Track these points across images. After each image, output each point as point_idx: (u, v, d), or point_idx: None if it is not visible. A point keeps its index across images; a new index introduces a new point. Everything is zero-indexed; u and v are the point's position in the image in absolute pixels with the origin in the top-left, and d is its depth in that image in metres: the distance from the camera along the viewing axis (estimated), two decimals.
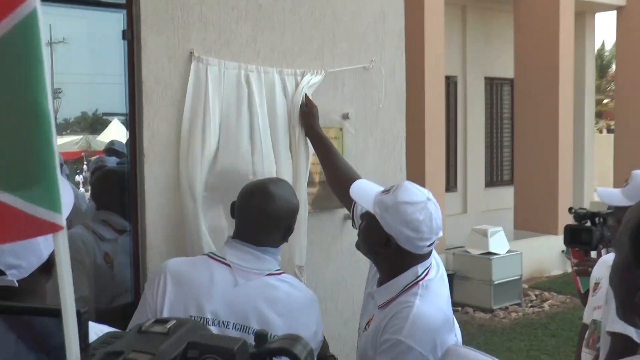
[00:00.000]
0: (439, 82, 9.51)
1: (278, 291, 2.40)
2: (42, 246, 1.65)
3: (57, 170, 0.90)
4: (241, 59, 3.10)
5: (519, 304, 8.67)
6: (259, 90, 3.06)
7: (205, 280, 2.35)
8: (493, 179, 12.68)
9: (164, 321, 0.82)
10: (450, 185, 11.59)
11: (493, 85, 12.66)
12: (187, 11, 2.96)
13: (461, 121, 11.95)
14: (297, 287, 2.50)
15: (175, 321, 0.81)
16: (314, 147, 3.10)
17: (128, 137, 2.95)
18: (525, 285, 9.30)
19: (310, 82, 3.19)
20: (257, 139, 2.99)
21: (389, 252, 2.30)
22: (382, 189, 2.42)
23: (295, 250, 3.06)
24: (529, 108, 10.80)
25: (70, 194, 1.85)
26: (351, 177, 2.84)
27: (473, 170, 12.10)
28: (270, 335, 0.85)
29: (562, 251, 8.04)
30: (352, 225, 2.81)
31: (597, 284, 3.02)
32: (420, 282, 2.26)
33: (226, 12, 3.07)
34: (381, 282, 2.38)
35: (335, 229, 3.42)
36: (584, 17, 12.89)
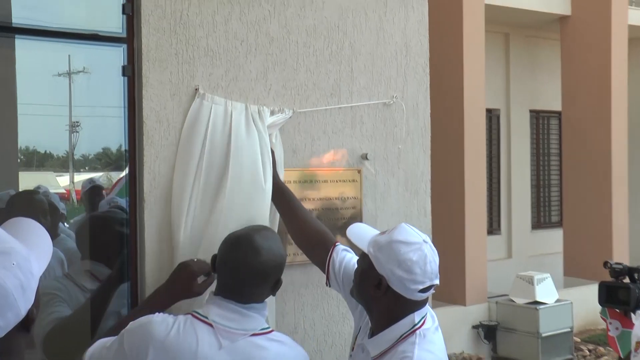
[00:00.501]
0: (479, 115, 9.41)
1: (266, 352, 2.36)
2: (20, 303, 1.63)
3: None
4: (251, 96, 3.11)
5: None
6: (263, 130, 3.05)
7: (191, 348, 2.29)
8: (540, 221, 12.50)
9: None
10: (493, 227, 11.45)
11: (539, 118, 12.55)
12: (192, 45, 3.00)
13: (504, 157, 11.83)
14: (287, 344, 2.46)
15: None
16: (273, 198, 2.99)
17: (127, 179, 2.97)
18: (577, 339, 9.07)
19: (270, 122, 3.08)
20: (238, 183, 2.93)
21: (382, 298, 2.29)
22: (377, 232, 2.47)
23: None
24: (578, 143, 10.64)
25: (48, 242, 1.84)
26: (318, 231, 2.86)
27: (518, 211, 11.95)
28: None
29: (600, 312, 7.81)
30: (326, 283, 2.77)
31: (639, 344, 2.94)
32: (417, 331, 2.26)
33: (234, 46, 3.10)
34: (373, 332, 2.37)
35: None
36: (638, 44, 12.74)
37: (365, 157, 3.40)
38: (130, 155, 2.93)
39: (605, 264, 3.42)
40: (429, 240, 2.32)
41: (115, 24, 2.96)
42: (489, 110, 10.69)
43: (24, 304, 1.62)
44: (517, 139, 12.05)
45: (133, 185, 2.93)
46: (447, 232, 8.65)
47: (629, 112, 10.77)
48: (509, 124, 11.96)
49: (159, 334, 2.32)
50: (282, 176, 3.09)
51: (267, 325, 2.45)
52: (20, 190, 4.58)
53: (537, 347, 8.25)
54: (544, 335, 8.26)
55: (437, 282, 2.28)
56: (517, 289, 8.65)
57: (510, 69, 11.97)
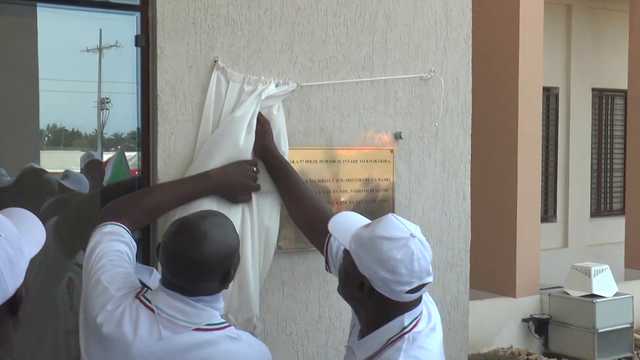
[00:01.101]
0: (536, 94, 9.23)
1: (213, 349, 2.21)
2: (8, 278, 1.59)
3: None
4: (274, 69, 3.05)
5: (629, 358, 8.29)
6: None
7: (128, 336, 2.19)
8: (600, 208, 12.24)
9: None
10: (549, 214, 11.24)
11: (602, 97, 12.26)
12: (211, 14, 2.94)
13: (563, 140, 11.60)
14: (244, 341, 2.29)
15: None
16: (270, 172, 2.93)
17: (140, 158, 2.93)
18: (637, 335, 8.89)
19: (266, 94, 2.97)
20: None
21: (367, 299, 2.15)
22: (367, 222, 2.29)
23: (243, 301, 2.88)
24: None
25: (40, 230, 1.81)
26: (321, 209, 2.74)
27: (576, 197, 11.72)
28: None
29: None
30: (326, 268, 2.65)
31: None
32: (406, 335, 2.12)
33: (258, 15, 3.03)
34: (362, 335, 2.24)
35: None
36: None
37: (399, 136, 3.31)
38: (144, 132, 2.90)
39: None
40: (418, 233, 2.13)
41: None
42: (546, 89, 10.46)
43: (12, 280, 1.57)
44: (578, 119, 11.79)
45: (146, 163, 2.90)
46: (497, 218, 8.51)
47: None
48: (569, 103, 11.70)
49: (102, 318, 2.24)
50: (287, 152, 3.00)
51: (221, 320, 2.27)
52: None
53: (593, 343, 8.07)
54: (600, 330, 8.07)
55: (428, 280, 2.12)
56: (573, 281, 8.46)
57: (572, 44, 11.71)
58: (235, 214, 2.82)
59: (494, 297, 8.29)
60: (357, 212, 3.17)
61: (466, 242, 3.57)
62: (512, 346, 8.10)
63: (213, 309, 2.26)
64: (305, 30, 3.13)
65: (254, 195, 2.90)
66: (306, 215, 2.79)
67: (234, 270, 2.32)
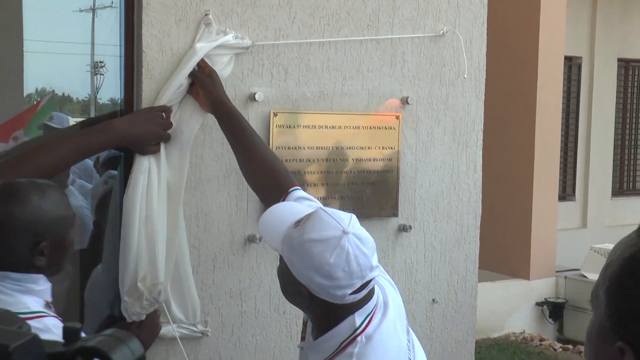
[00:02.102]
0: (557, 63, 9.13)
1: None
2: None
3: None
4: (271, 25, 2.95)
5: None
6: None
7: None
8: (623, 187, 12.14)
9: None
10: (567, 192, 11.14)
11: (629, 68, 12.12)
12: None
13: (584, 113, 11.47)
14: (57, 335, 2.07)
15: None
16: (222, 127, 2.75)
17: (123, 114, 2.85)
18: None
19: (219, 42, 2.84)
20: None
21: (309, 304, 2.06)
22: (301, 216, 2.13)
23: (150, 265, 2.72)
24: None
25: None
26: (274, 168, 2.59)
27: (597, 174, 11.62)
28: None
29: None
30: None
31: None
32: (359, 338, 2.01)
33: None
34: (316, 336, 2.13)
35: (386, 242, 3.23)
36: None
37: (406, 101, 3.22)
38: (127, 92, 2.81)
39: None
40: (353, 226, 2.01)
41: None
42: (568, 58, 10.33)
43: None
44: (601, 91, 11.66)
45: None
46: (512, 195, 8.45)
47: None
48: (592, 74, 11.58)
49: None
50: None
51: (35, 310, 1.99)
52: None
53: None
54: None
55: (372, 275, 2.01)
56: (591, 263, 8.41)
57: (598, 10, 11.55)
58: (139, 169, 2.69)
59: (505, 278, 8.25)
60: (360, 183, 3.12)
61: (476, 217, 3.48)
62: (524, 331, 8.07)
63: (24, 294, 2.00)
64: None
65: (162, 148, 2.74)
66: (258, 172, 2.62)
67: (54, 247, 2.05)
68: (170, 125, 2.72)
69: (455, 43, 3.32)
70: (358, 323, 2.02)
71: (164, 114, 2.71)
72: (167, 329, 2.79)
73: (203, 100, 2.76)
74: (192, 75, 2.75)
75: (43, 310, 2.01)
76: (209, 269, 2.91)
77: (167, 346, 2.83)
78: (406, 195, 3.27)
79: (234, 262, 2.96)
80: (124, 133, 2.65)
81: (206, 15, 2.82)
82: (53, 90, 5.23)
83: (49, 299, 2.06)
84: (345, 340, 2.02)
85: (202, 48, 2.77)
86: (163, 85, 2.76)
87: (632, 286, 1.15)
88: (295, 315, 3.06)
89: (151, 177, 2.71)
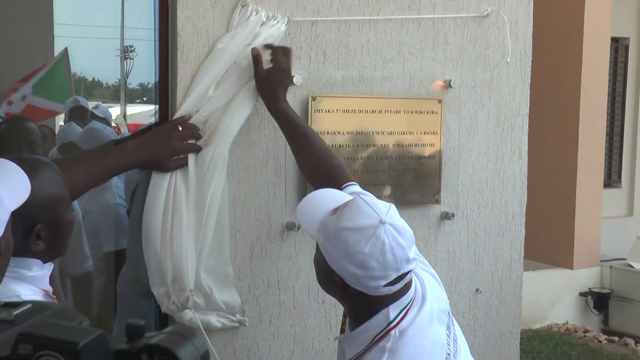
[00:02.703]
0: (603, 44, 9.03)
1: None
2: None
3: None
4: (309, 6, 2.94)
5: None
6: None
7: None
8: None
9: (15, 305, 0.73)
10: (612, 179, 11.01)
11: None
12: None
13: (631, 96, 11.33)
14: None
15: (29, 306, 0.72)
16: (279, 122, 2.75)
17: (158, 103, 2.85)
18: None
19: (268, 34, 2.82)
20: None
21: (343, 294, 2.05)
22: (339, 204, 2.11)
23: (176, 274, 2.72)
24: None
25: (24, 182, 1.76)
26: (331, 163, 2.58)
27: None
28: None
29: None
30: None
31: None
32: (392, 332, 2.00)
33: None
34: (352, 328, 2.13)
35: (428, 229, 3.22)
36: None
37: (448, 84, 3.19)
38: (161, 75, 2.81)
39: None
40: (391, 216, 1.99)
41: None
42: (615, 39, 10.20)
43: None
44: None
45: (164, 111, 2.81)
46: (555, 181, 8.36)
47: None
48: None
49: None
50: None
51: (24, 299, 1.69)
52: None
53: None
54: None
55: (408, 268, 1.98)
56: (637, 252, 8.34)
57: None
58: (161, 184, 2.70)
59: (548, 268, 8.18)
60: (401, 169, 3.09)
61: (521, 205, 3.45)
62: (567, 322, 8.00)
63: (15, 280, 1.87)
64: None
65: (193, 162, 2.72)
66: (316, 166, 2.60)
67: (52, 229, 1.94)
68: (190, 135, 2.70)
69: (500, 24, 3.28)
70: (392, 316, 2.01)
71: (179, 126, 2.68)
72: (205, 319, 2.80)
73: (267, 95, 2.75)
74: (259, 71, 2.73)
75: (29, 300, 1.87)
76: (246, 258, 2.91)
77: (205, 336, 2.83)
78: (449, 181, 3.24)
79: (272, 250, 2.96)
80: (140, 154, 2.66)
81: None
82: (65, 49, 5.25)
83: (48, 288, 1.96)
84: (378, 334, 2.01)
85: (238, 39, 2.76)
86: (198, 68, 2.76)
87: None
88: (335, 306, 3.05)
89: (176, 192, 2.71)
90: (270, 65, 2.73)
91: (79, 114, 5.14)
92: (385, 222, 1.95)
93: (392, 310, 2.01)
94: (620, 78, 11.15)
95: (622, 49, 11.18)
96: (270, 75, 2.72)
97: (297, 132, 2.69)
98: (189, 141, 2.71)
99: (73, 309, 0.78)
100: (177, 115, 2.72)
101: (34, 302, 0.73)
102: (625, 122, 11.30)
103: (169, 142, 2.66)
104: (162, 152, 2.66)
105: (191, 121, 2.72)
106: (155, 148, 2.65)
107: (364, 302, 2.03)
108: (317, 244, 2.10)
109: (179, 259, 2.68)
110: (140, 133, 2.95)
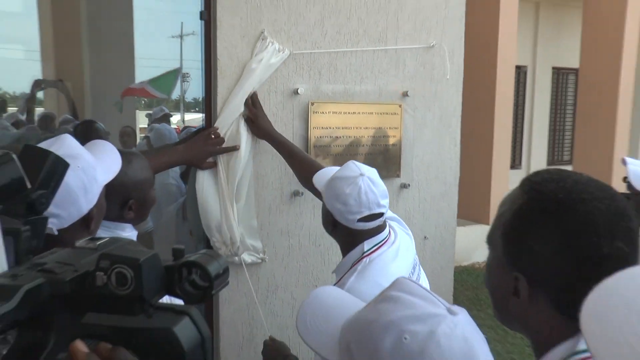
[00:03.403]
0: (509, 70, 8.97)
1: None
2: (82, 200, 1.49)
3: None
4: (309, 40, 2.84)
5: None
6: None
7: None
8: (555, 159, 11.97)
9: (99, 239, 0.69)
10: (516, 162, 10.99)
11: (560, 74, 11.88)
12: None
13: (529, 105, 11.31)
14: None
15: (108, 239, 0.68)
16: (274, 147, 2.68)
17: (204, 107, 2.76)
18: None
19: (278, 58, 2.74)
20: None
21: (335, 231, 1.99)
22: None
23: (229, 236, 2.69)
24: (591, 95, 10.11)
25: (117, 159, 1.68)
26: (313, 169, 2.46)
27: (537, 149, 11.47)
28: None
29: None
30: None
31: None
32: (364, 259, 1.92)
33: None
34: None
35: (392, 195, 3.11)
36: None
37: (406, 94, 3.10)
38: (206, 89, 2.72)
39: (625, 178, 2.89)
40: (370, 173, 1.93)
41: None
42: (518, 67, 10.13)
43: (85, 203, 1.50)
44: (540, 91, 11.49)
45: (208, 108, 2.73)
46: (477, 162, 8.35)
47: (636, 69, 10.16)
48: (534, 78, 11.38)
49: None
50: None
51: None
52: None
53: None
54: None
55: (378, 210, 1.90)
56: None
57: (538, 31, 11.32)
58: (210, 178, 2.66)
59: (473, 224, 8.14)
60: (374, 152, 3.01)
61: (455, 178, 3.37)
62: (485, 261, 7.97)
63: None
64: (333, 9, 2.90)
65: (228, 158, 2.66)
66: (305, 177, 2.48)
67: (139, 203, 1.88)
68: (222, 141, 2.62)
69: (442, 52, 3.18)
70: (366, 248, 1.94)
71: (212, 134, 2.61)
72: (240, 257, 2.74)
73: (256, 132, 2.69)
74: (244, 115, 2.66)
75: None
76: (265, 215, 2.83)
77: (233, 271, 2.76)
78: (406, 162, 3.16)
79: (284, 209, 2.88)
80: (184, 155, 2.61)
81: (262, 32, 2.71)
82: (179, 67, 5.34)
83: None
84: (355, 261, 1.94)
85: (258, 67, 2.67)
86: (233, 83, 2.67)
87: (524, 230, 1.05)
88: (328, 248, 2.98)
89: (219, 183, 2.66)
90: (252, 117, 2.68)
91: (165, 119, 5.12)
92: (364, 175, 1.91)
93: (367, 244, 1.94)
94: (522, 93, 11.14)
95: (523, 74, 11.13)
96: (256, 122, 2.66)
97: (288, 151, 2.63)
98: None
99: (138, 243, 0.75)
100: (218, 123, 2.64)
101: (111, 238, 0.69)
102: (525, 123, 11.28)
103: (204, 147, 2.60)
104: (199, 154, 2.60)
105: (230, 123, 2.64)
106: (195, 152, 2.59)
107: (348, 237, 1.96)
108: (322, 198, 2.05)
109: (229, 220, 2.65)
110: (185, 139, 2.87)
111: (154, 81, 5.68)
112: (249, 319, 2.84)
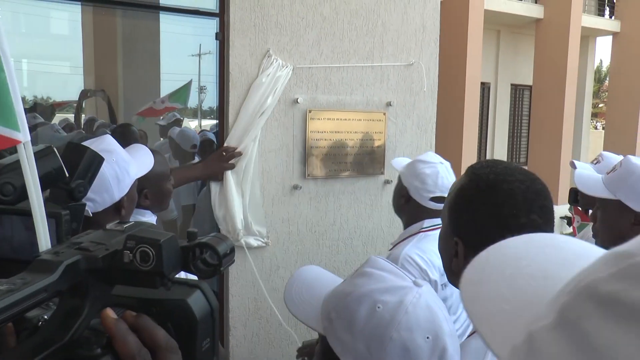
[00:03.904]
0: (476, 85, 8.99)
1: None
2: (115, 189, 1.47)
3: (12, 95, 0.75)
4: (307, 57, 2.82)
5: None
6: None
7: None
8: (513, 160, 11.97)
9: (125, 223, 0.67)
10: None
11: (517, 90, 11.89)
12: (266, 20, 2.70)
13: (492, 116, 11.31)
14: None
15: (133, 223, 0.66)
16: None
17: (217, 115, 2.73)
18: None
19: (283, 73, 2.70)
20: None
21: (405, 206, 1.96)
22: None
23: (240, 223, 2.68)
24: (542, 107, 10.19)
25: (149, 158, 1.67)
26: None
27: (498, 153, 11.48)
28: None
29: (562, 217, 7.25)
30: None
31: None
32: (421, 233, 1.90)
33: (297, 21, 2.78)
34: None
35: (377, 190, 3.11)
36: (587, 40, 12.05)
37: (389, 104, 3.07)
38: (220, 98, 2.69)
39: (572, 163, 2.87)
40: (446, 164, 1.97)
41: (211, 4, 2.68)
42: (482, 83, 10.13)
43: (117, 191, 1.48)
44: (500, 104, 11.50)
45: (222, 115, 2.70)
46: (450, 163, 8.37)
47: (577, 86, 10.25)
48: (497, 93, 11.39)
49: None
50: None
51: None
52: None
53: None
54: None
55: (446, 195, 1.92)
56: None
57: (500, 53, 11.33)
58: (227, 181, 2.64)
59: None
60: (362, 152, 2.98)
61: None
62: None
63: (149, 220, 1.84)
64: (328, 32, 2.87)
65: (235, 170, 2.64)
66: None
67: (154, 192, 1.83)
68: (232, 156, 2.59)
69: (419, 69, 3.15)
70: (425, 225, 1.92)
71: (223, 152, 2.58)
72: (248, 241, 2.71)
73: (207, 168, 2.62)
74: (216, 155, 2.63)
75: None
76: (269, 205, 2.81)
77: (241, 253, 2.74)
78: (389, 161, 3.12)
79: (285, 200, 2.85)
80: (203, 171, 2.59)
81: (268, 51, 2.68)
82: (191, 80, 5.30)
83: None
84: (413, 233, 1.93)
85: (266, 81, 2.65)
86: (243, 94, 2.64)
87: (461, 205, 1.10)
88: (322, 234, 2.96)
89: (229, 185, 2.64)
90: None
91: (177, 124, 5.06)
92: (443, 164, 1.94)
93: (427, 222, 1.92)
94: (486, 105, 11.13)
95: (487, 89, 11.12)
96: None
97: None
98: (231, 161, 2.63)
99: (158, 226, 0.74)
100: (232, 135, 2.61)
101: (136, 222, 0.68)
102: (488, 130, 11.28)
103: (219, 165, 2.58)
104: (215, 170, 2.59)
105: (239, 129, 2.61)
106: (212, 169, 2.58)
107: (413, 212, 1.94)
108: (399, 178, 2.03)
109: (233, 211, 2.62)
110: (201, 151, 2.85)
111: (172, 95, 5.63)
112: (254, 294, 2.82)
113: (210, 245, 0.61)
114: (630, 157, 1.68)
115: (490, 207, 1.06)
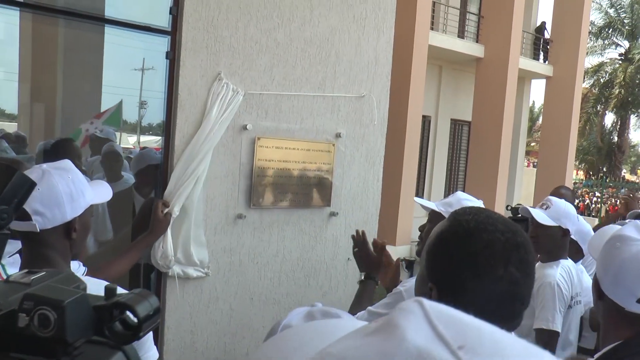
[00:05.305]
0: (417, 118, 9.17)
1: None
2: (67, 207, 1.36)
3: None
4: (259, 83, 2.73)
5: None
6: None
7: None
8: (451, 192, 12.29)
9: (35, 272, 0.57)
10: (419, 192, 11.17)
11: (456, 125, 12.25)
12: (219, 41, 2.60)
13: (432, 148, 11.56)
14: None
15: (45, 273, 0.57)
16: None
17: (164, 138, 2.59)
18: None
19: (234, 98, 2.62)
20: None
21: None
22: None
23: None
24: (480, 142, 10.50)
25: (108, 191, 1.56)
26: None
27: (437, 183, 11.72)
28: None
29: None
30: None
31: None
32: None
33: (250, 45, 2.70)
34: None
35: (322, 222, 3.04)
36: (523, 81, 12.64)
37: (339, 135, 3.03)
38: (167, 119, 2.56)
39: (507, 206, 2.96)
40: (480, 204, 1.96)
41: (163, 21, 2.56)
42: (424, 116, 10.37)
43: (70, 210, 1.36)
44: (440, 139, 11.78)
45: (168, 141, 2.56)
46: (389, 192, 8.42)
47: (513, 125, 10.66)
48: (437, 126, 11.67)
49: None
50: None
51: None
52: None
53: None
54: None
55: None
56: None
57: (441, 88, 11.66)
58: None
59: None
60: (309, 183, 2.91)
61: (377, 209, 3.31)
62: None
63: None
64: (281, 59, 2.81)
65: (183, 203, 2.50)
66: None
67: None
68: (167, 208, 2.43)
69: (370, 101, 3.14)
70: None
71: (161, 209, 2.41)
72: (187, 271, 2.56)
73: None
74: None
75: None
76: (211, 234, 2.67)
77: (181, 283, 2.58)
78: (336, 193, 3.07)
79: (227, 230, 2.72)
80: (154, 236, 2.40)
81: (219, 74, 2.58)
82: (121, 100, 5.00)
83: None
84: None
85: (216, 107, 2.54)
86: (190, 115, 2.52)
87: (438, 249, 1.06)
88: (264, 265, 2.85)
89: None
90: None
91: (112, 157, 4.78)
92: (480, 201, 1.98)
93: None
94: (426, 137, 11.35)
95: (428, 122, 11.37)
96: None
97: None
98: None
99: (75, 275, 0.63)
100: (177, 163, 2.48)
101: (49, 271, 0.58)
102: (428, 160, 11.50)
103: (165, 223, 2.41)
104: (163, 230, 2.41)
105: (187, 153, 2.47)
106: (159, 230, 2.40)
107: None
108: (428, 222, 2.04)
109: (167, 236, 2.47)
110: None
111: (106, 121, 5.37)
112: (191, 327, 2.66)
113: (128, 306, 0.52)
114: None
115: (466, 255, 1.02)
